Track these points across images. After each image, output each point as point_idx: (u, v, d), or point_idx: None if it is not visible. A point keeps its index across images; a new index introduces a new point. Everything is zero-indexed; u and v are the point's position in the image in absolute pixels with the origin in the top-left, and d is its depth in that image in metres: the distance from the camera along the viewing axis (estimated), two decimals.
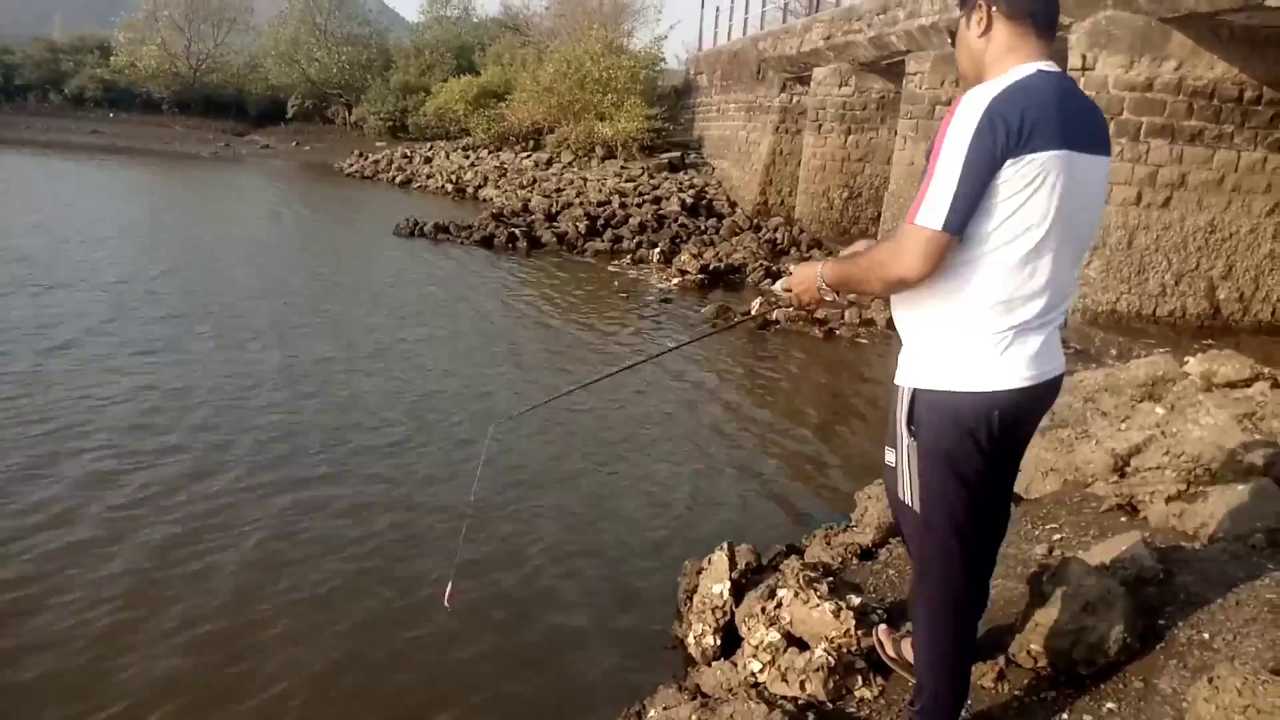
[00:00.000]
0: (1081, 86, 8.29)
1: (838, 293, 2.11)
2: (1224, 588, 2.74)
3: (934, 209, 1.82)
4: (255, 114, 44.08)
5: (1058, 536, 3.52)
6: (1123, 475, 3.91)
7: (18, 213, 15.02)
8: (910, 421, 2.02)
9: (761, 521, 4.90)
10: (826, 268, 2.09)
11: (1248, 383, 4.64)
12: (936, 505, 2.05)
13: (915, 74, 13.29)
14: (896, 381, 2.08)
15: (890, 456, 2.12)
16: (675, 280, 12.24)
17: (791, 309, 10.23)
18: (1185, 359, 5.21)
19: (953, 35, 2.07)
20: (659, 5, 55.08)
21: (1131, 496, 3.66)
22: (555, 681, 3.35)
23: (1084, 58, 9.49)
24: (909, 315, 2.05)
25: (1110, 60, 9.35)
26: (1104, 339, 9.22)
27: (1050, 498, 4.11)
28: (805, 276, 2.14)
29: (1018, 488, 4.45)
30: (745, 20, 25.06)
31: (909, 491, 2.09)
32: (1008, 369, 1.92)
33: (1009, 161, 1.79)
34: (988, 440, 1.95)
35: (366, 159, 30.98)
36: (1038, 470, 4.50)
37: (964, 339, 1.94)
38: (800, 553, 3.94)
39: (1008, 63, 1.91)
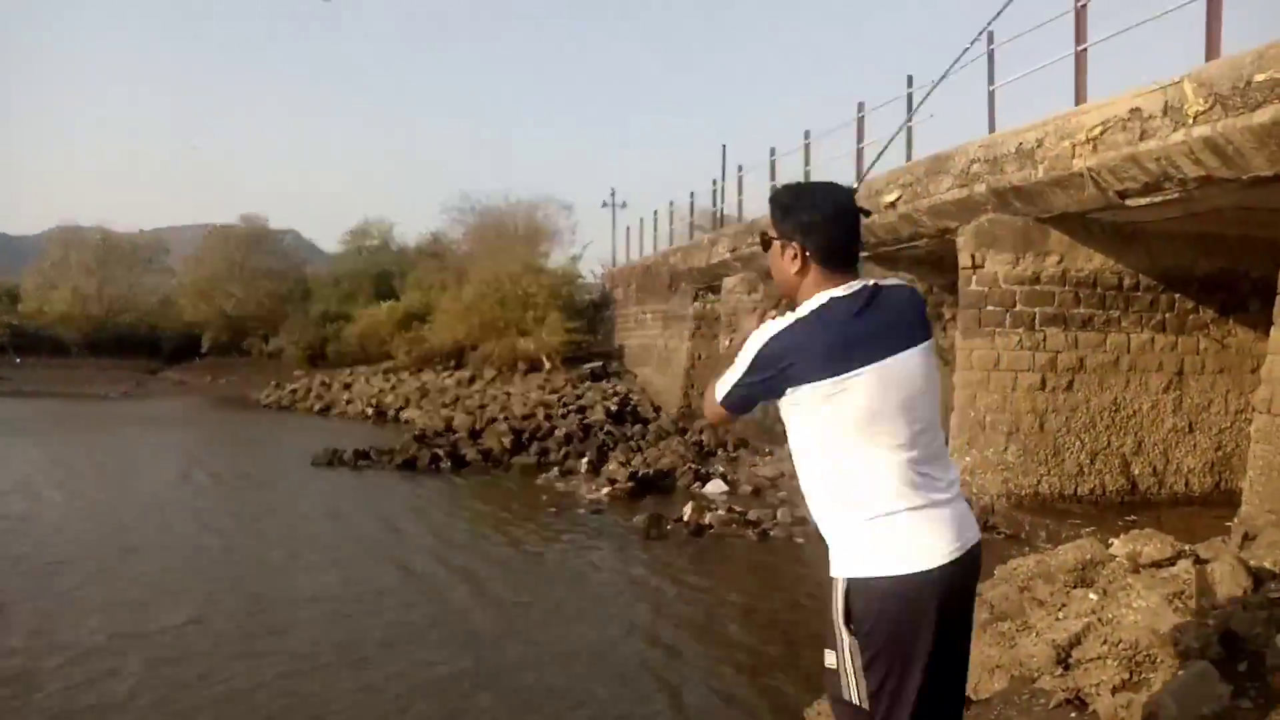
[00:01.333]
0: (974, 283, 8.81)
1: None
2: None
3: (724, 385, 2.17)
4: (169, 349, 43.78)
5: None
6: (1066, 667, 3.84)
7: None
8: (848, 616, 2.00)
9: None
10: (738, 341, 2.21)
11: (1171, 561, 4.69)
12: (883, 699, 1.99)
13: None
14: (831, 574, 2.07)
15: (830, 659, 2.07)
16: (605, 490, 12.16)
17: (725, 502, 10.26)
18: (1110, 540, 5.27)
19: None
20: (572, 227, 57.61)
21: (1078, 689, 3.59)
22: None
23: (973, 257, 10.14)
24: (821, 509, 2.11)
25: (997, 258, 10.01)
26: (1032, 522, 9.33)
27: (999, 697, 4.00)
28: (746, 330, 2.22)
29: (967, 689, 4.33)
30: (655, 237, 26.43)
31: (853, 691, 2.02)
32: (926, 548, 1.98)
33: (789, 390, 2.05)
34: (928, 621, 1.96)
35: (284, 389, 30.74)
36: (984, 668, 4.40)
37: (869, 525, 2.00)
38: None
39: (812, 293, 2.12)
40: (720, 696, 5.36)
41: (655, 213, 26.72)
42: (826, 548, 2.11)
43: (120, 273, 46.21)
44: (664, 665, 5.86)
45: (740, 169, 20.47)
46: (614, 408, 19.43)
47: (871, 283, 2.12)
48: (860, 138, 14.04)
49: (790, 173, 17.81)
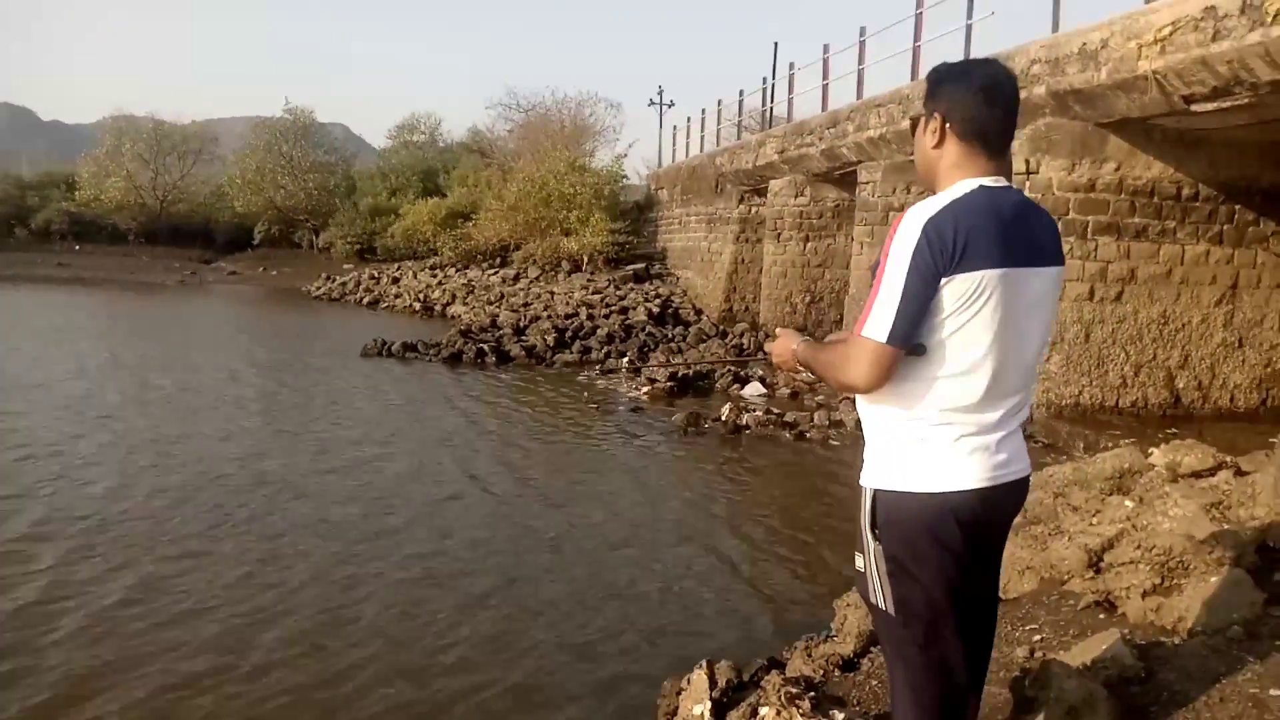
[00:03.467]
0: (1027, 190, 8.66)
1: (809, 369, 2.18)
2: (1206, 683, 2.72)
3: (879, 322, 1.88)
4: (222, 241, 44.38)
5: (1038, 637, 3.49)
6: (1098, 571, 3.90)
7: None
8: (874, 525, 2.03)
9: (740, 631, 4.82)
10: (802, 346, 2.17)
11: (1211, 471, 4.70)
12: (908, 609, 2.03)
13: (867, 183, 13.74)
14: (860, 482, 2.09)
15: (859, 561, 2.10)
16: (645, 389, 12.30)
17: (762, 404, 10.36)
18: (1150, 450, 5.28)
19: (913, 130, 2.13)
20: (618, 126, 56.68)
21: (1108, 592, 3.65)
22: None
23: (1028, 162, 9.88)
24: (868, 416, 2.08)
25: (1053, 164, 9.75)
26: (1070, 432, 9.32)
27: (1028, 597, 4.09)
28: (784, 346, 2.22)
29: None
30: (702, 138, 25.98)
31: (880, 595, 2.06)
32: (964, 470, 1.94)
33: (945, 279, 1.85)
34: (951, 541, 1.95)
35: (334, 281, 31.18)
36: (1014, 569, 4.48)
37: (920, 441, 1.97)
38: (781, 666, 3.86)
39: (955, 176, 1.99)
40: (751, 583, 5.52)
41: (703, 111, 26.21)
42: (859, 451, 2.11)
43: (173, 163, 46.49)
44: (694, 552, 6.03)
45: (791, 67, 19.94)
46: (656, 309, 19.47)
47: (1015, 188, 2.00)
48: (917, 35, 13.59)
49: (843, 72, 17.32)
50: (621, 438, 9.69)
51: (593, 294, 21.33)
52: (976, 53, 11.50)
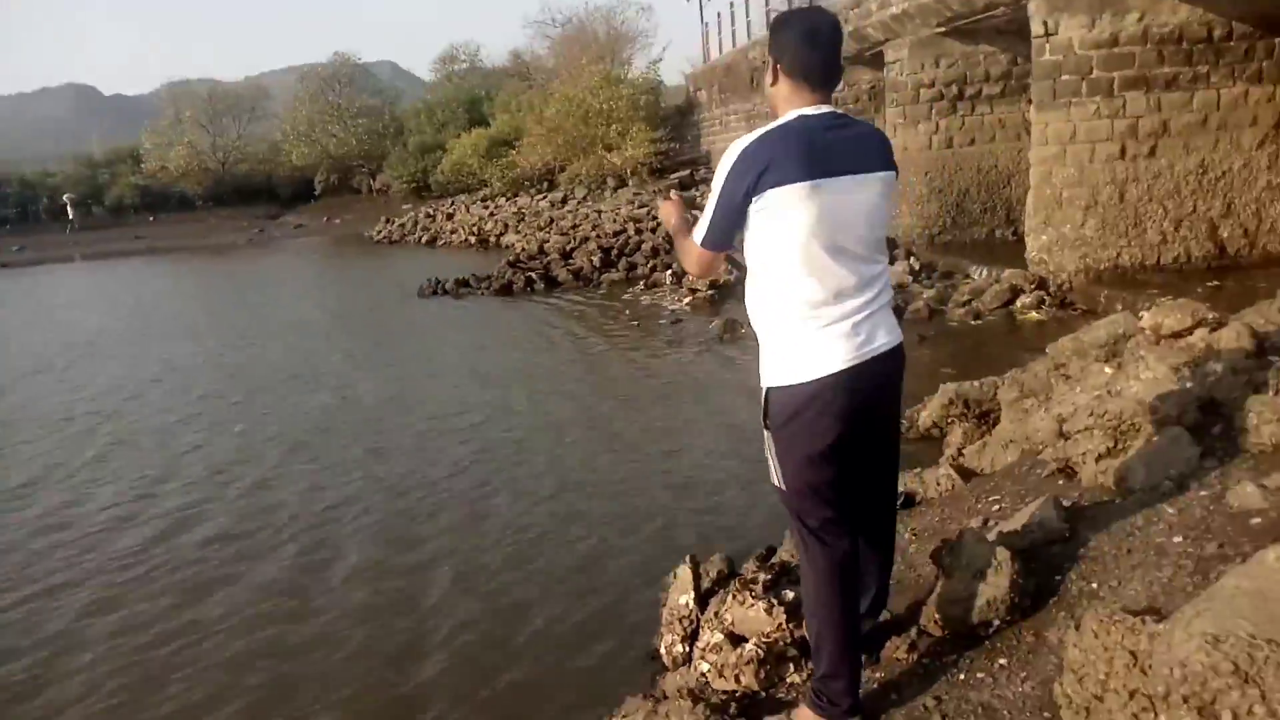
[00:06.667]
0: (1047, 53, 8.45)
1: None
2: (1120, 537, 2.91)
3: (700, 228, 2.36)
4: (286, 195, 45.56)
5: (996, 508, 3.70)
6: (1066, 439, 4.07)
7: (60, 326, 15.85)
8: (766, 417, 2.38)
9: (753, 522, 5.11)
10: (673, 223, 2.59)
11: (1190, 331, 4.76)
12: (797, 484, 2.37)
13: (894, 62, 13.44)
14: (760, 383, 2.42)
15: (766, 453, 2.44)
16: (686, 299, 12.50)
17: None
18: (1141, 313, 5.33)
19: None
20: (652, 29, 55.26)
21: (1068, 459, 3.82)
22: (537, 690, 3.67)
23: (1045, 24, 9.61)
24: (754, 323, 2.43)
25: (1071, 22, 9.46)
26: (1109, 296, 9.25)
27: (1004, 470, 4.29)
28: (666, 214, 2.66)
29: (979, 464, 4.62)
30: (734, 32, 25.35)
31: (774, 475, 2.42)
32: (832, 355, 2.27)
33: (756, 196, 2.20)
34: (828, 409, 2.28)
35: (393, 224, 31.79)
36: (998, 444, 4.67)
37: (787, 339, 2.31)
38: (773, 552, 4.16)
39: (785, 109, 2.32)
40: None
41: (731, 3, 25.50)
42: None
43: (229, 123, 47.62)
44: (723, 453, 6.32)
45: None
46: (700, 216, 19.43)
47: (841, 111, 2.33)
48: None
49: None
50: (661, 350, 9.96)
51: (639, 208, 21.37)
52: None
